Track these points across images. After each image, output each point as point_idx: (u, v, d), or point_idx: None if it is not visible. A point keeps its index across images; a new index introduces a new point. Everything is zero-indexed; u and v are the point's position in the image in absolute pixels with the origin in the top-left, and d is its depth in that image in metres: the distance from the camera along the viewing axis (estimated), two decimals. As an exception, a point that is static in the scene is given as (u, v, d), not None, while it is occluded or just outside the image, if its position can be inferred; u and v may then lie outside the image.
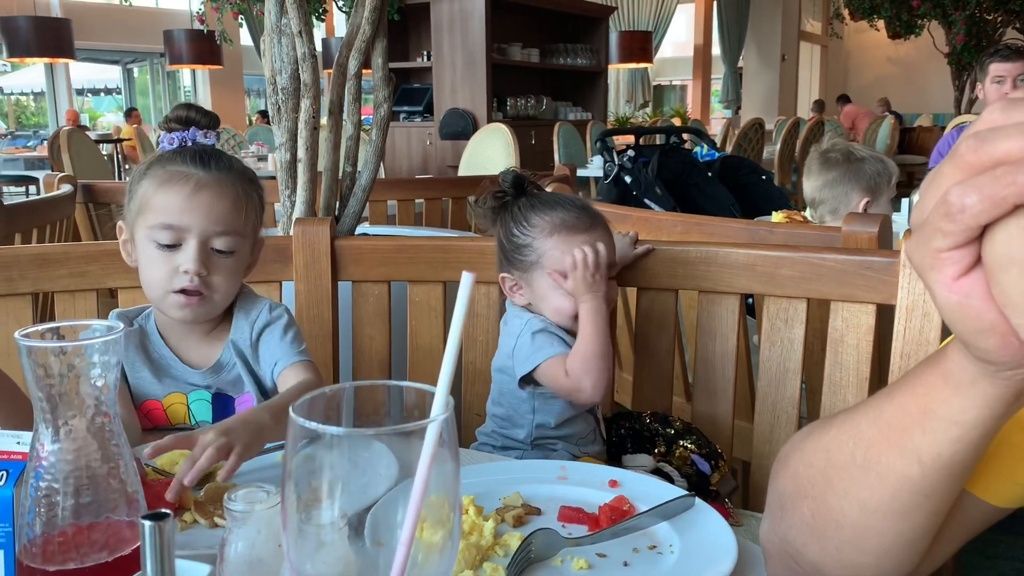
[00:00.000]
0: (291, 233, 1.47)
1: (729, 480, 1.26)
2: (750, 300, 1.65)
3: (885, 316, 1.18)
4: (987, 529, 0.64)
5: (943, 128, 7.20)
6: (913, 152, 11.47)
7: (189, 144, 1.15)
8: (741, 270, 1.28)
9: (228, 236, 1.12)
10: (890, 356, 1.14)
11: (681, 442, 1.24)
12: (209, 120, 1.17)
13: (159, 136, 1.21)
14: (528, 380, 1.21)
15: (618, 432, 1.30)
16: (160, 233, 1.10)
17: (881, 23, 11.15)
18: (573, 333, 1.22)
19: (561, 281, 1.20)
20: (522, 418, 1.23)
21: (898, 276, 1.13)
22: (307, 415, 0.47)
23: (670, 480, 1.21)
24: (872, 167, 2.05)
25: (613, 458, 1.29)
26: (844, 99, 12.41)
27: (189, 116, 1.16)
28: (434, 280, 1.42)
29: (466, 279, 0.48)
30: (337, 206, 2.00)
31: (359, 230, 2.11)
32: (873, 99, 12.65)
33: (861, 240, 1.38)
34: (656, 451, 1.25)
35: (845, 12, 11.80)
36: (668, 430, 1.26)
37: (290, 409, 0.47)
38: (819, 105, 12.36)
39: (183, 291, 1.10)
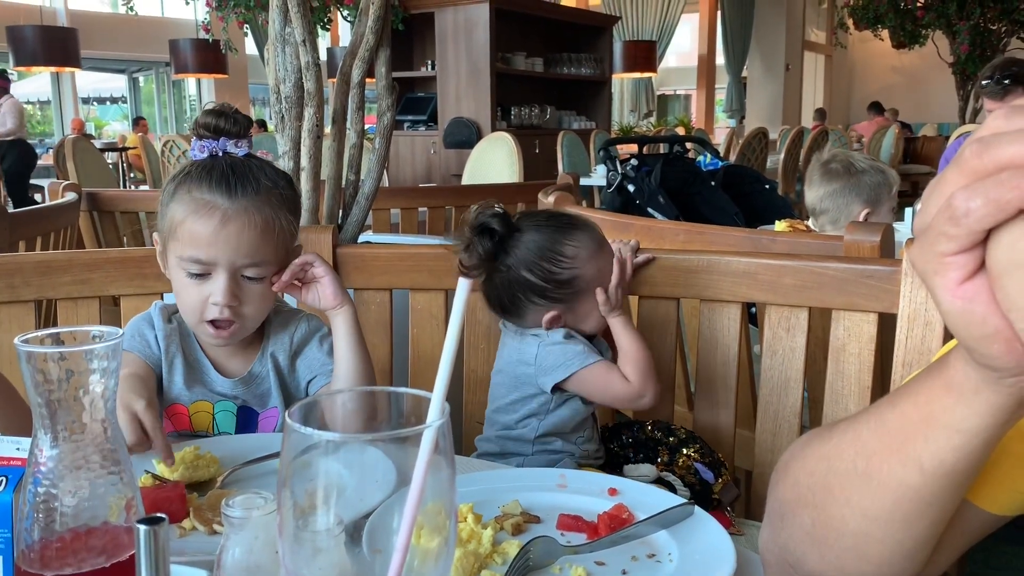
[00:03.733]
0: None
1: (732, 488, 1.26)
2: (752, 309, 1.65)
3: (887, 325, 1.18)
4: (992, 539, 0.64)
5: (947, 138, 7.21)
6: (918, 161, 11.47)
7: (220, 155, 1.13)
8: (743, 279, 1.28)
9: (257, 266, 1.12)
10: (892, 365, 1.14)
11: (684, 450, 1.24)
12: (239, 127, 1.16)
13: (190, 144, 1.20)
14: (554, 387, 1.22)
15: (620, 442, 1.29)
16: (189, 264, 1.10)
17: (885, 33, 11.17)
18: (592, 337, 1.24)
19: (604, 300, 1.22)
20: (533, 418, 1.23)
21: (900, 285, 1.13)
22: (304, 421, 0.47)
23: (672, 490, 1.21)
24: (872, 178, 2.06)
25: (615, 468, 1.29)
26: (876, 108, 12.27)
27: (219, 125, 1.14)
28: (436, 288, 1.42)
29: (463, 285, 0.49)
30: (340, 214, 2.00)
31: (362, 238, 2.12)
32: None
33: (863, 249, 1.38)
34: (659, 460, 1.25)
35: (849, 22, 11.82)
36: (671, 439, 1.26)
37: (287, 415, 0.47)
38: (821, 114, 12.35)
39: (213, 322, 1.11)
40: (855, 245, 1.39)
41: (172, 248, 1.12)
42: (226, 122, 1.14)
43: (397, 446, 0.47)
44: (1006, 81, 2.97)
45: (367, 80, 1.99)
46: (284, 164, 1.95)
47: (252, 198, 1.11)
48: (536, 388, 1.21)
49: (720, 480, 1.23)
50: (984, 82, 3.04)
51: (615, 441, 1.31)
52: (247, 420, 1.18)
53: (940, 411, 0.49)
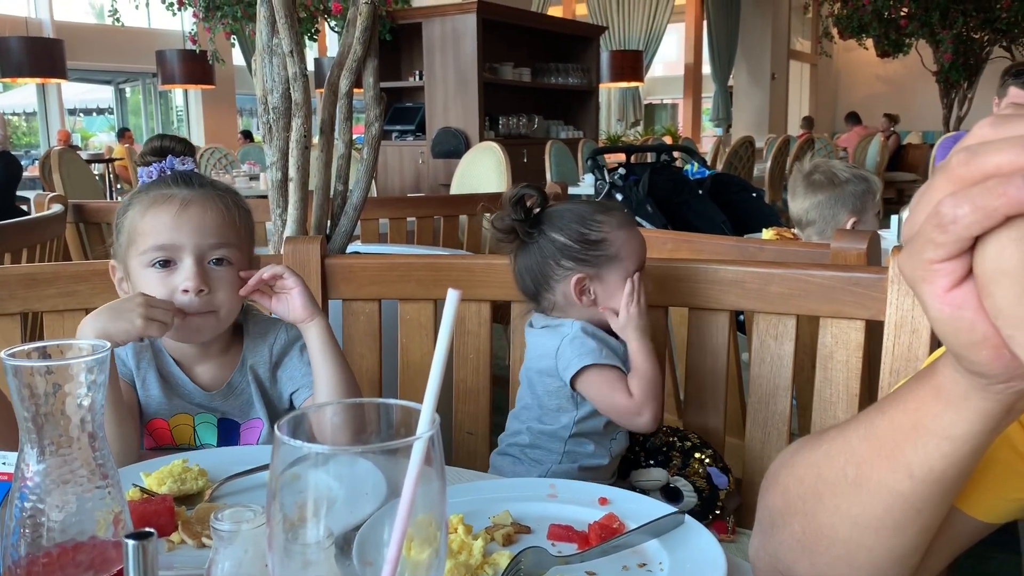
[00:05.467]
0: (282, 252, 1.47)
1: (735, 496, 1.27)
2: (741, 317, 1.66)
3: (874, 332, 1.18)
4: (982, 546, 0.64)
5: (932, 146, 7.26)
6: (903, 169, 11.55)
7: (168, 172, 1.16)
8: (731, 287, 1.29)
9: (223, 248, 1.12)
10: (879, 372, 1.14)
11: (697, 455, 1.25)
12: (184, 147, 1.21)
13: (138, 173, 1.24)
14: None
15: (632, 447, 1.30)
16: (154, 254, 1.10)
17: (870, 42, 11.27)
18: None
19: (613, 318, 1.23)
20: (564, 414, 1.24)
21: (886, 292, 1.13)
22: (293, 434, 0.47)
23: (679, 495, 1.22)
24: (856, 186, 2.08)
25: (621, 475, 1.29)
26: (854, 118, 12.38)
27: (164, 146, 1.19)
28: (425, 298, 1.42)
29: (451, 296, 0.49)
30: (328, 225, 2.00)
31: (350, 248, 2.11)
32: (864, 117, 12.73)
33: (849, 257, 1.38)
34: (672, 464, 1.25)
35: (834, 31, 11.93)
36: (685, 443, 1.27)
37: (275, 428, 0.47)
38: (808, 122, 12.43)
39: (186, 313, 1.10)
40: (842, 253, 1.39)
41: (133, 254, 1.12)
42: (171, 141, 1.19)
43: (387, 458, 0.47)
44: None
45: (355, 90, 1.99)
46: (272, 175, 1.95)
47: (209, 189, 1.15)
48: (560, 381, 1.23)
49: (729, 487, 1.24)
50: (1019, 76, 3.09)
51: (628, 447, 1.31)
52: (229, 432, 1.18)
53: (929, 418, 0.49)
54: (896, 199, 9.69)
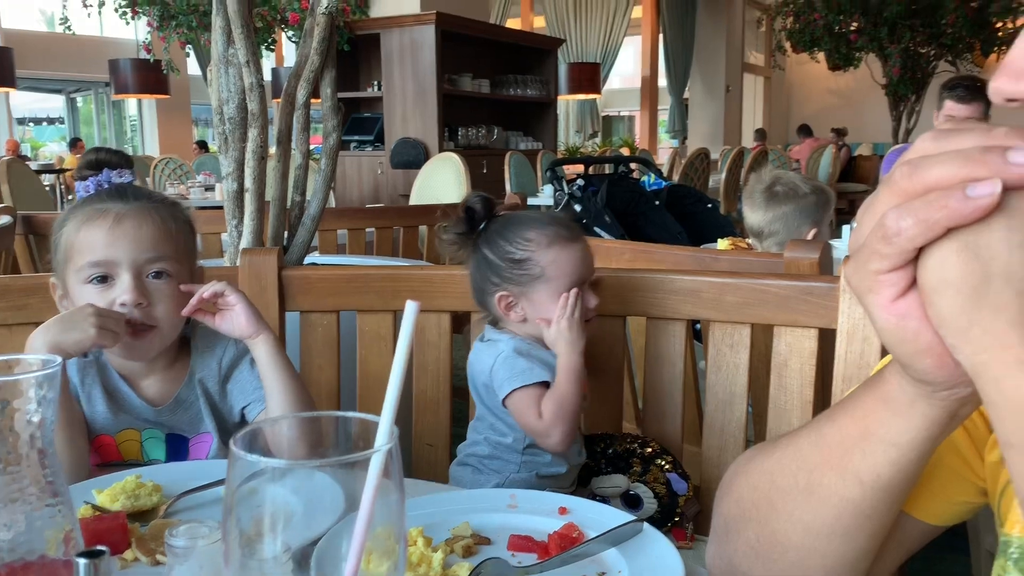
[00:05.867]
0: (238, 263, 1.45)
1: (694, 503, 1.28)
2: (698, 326, 1.68)
3: (827, 340, 1.21)
4: (933, 548, 0.66)
5: (882, 157, 7.43)
6: (854, 180, 11.80)
7: (105, 186, 1.15)
8: (687, 296, 1.30)
9: (160, 261, 1.11)
10: (832, 379, 1.16)
11: (658, 461, 1.26)
12: (121, 159, 1.19)
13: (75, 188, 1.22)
14: None
15: (593, 454, 1.31)
16: (90, 271, 1.08)
17: (821, 56, 11.51)
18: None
19: (545, 329, 1.22)
20: (511, 429, 1.24)
21: (838, 301, 1.16)
22: (249, 448, 0.47)
23: (639, 502, 1.23)
24: (817, 198, 2.13)
25: (581, 482, 1.30)
26: (806, 130, 12.62)
27: (99, 159, 1.17)
28: (384, 309, 1.42)
29: (410, 308, 0.49)
30: (285, 236, 1.99)
31: (308, 260, 2.10)
32: (816, 129, 12.99)
33: (803, 266, 1.41)
34: (632, 471, 1.26)
35: (787, 45, 12.15)
36: (646, 450, 1.28)
37: (231, 443, 0.46)
38: (760, 134, 12.65)
39: (131, 329, 1.08)
40: (795, 263, 1.42)
41: (71, 271, 1.10)
42: (107, 154, 1.17)
43: (345, 471, 0.46)
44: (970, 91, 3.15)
45: (312, 100, 1.98)
46: (228, 186, 1.93)
47: (145, 202, 1.13)
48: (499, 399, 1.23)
49: (688, 493, 1.25)
50: (955, 90, 3.20)
51: (589, 455, 1.32)
52: (177, 447, 1.16)
53: (877, 425, 0.50)
54: (847, 209, 9.89)
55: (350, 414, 0.52)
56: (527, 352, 1.22)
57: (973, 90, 3.15)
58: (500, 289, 1.24)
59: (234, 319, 1.11)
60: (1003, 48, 10.59)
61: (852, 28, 10.80)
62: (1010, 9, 10.13)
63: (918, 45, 10.53)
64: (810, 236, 2.10)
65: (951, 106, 3.17)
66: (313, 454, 0.51)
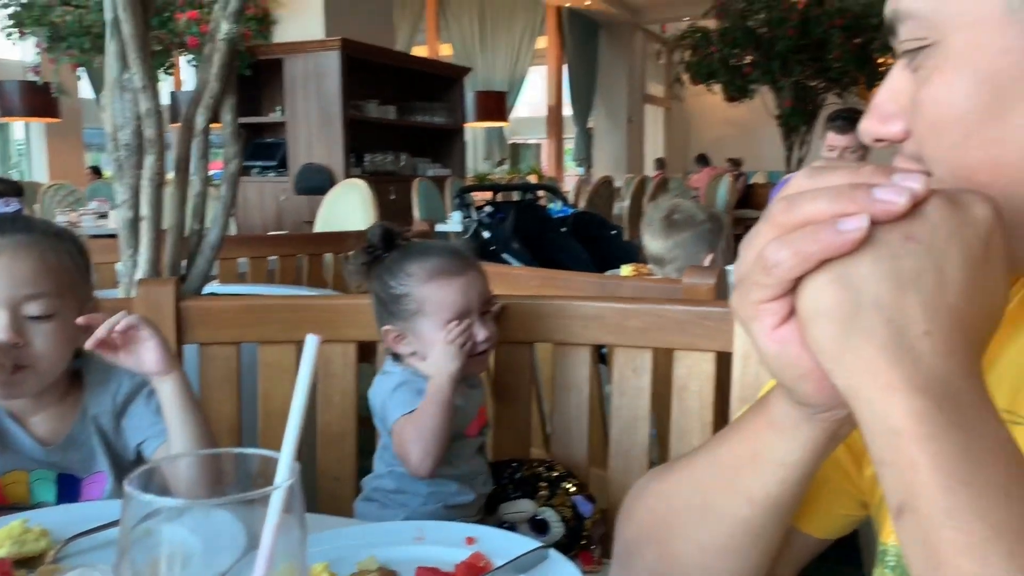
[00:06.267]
0: (133, 295, 1.40)
1: (601, 525, 1.30)
2: (605, 350, 1.71)
3: (724, 363, 1.25)
4: (827, 561, 0.69)
5: (776, 184, 7.77)
6: (750, 207, 12.27)
7: None
8: (592, 322, 1.33)
9: (40, 299, 1.05)
10: (730, 401, 1.20)
11: (564, 484, 1.27)
12: (8, 187, 1.12)
13: None
14: None
15: (500, 480, 1.31)
16: None
17: (718, 87, 11.94)
18: (464, 380, 1.23)
19: (423, 359, 1.22)
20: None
21: (734, 325, 1.20)
22: (144, 488, 0.45)
23: (546, 527, 1.24)
24: (712, 225, 2.22)
25: (489, 510, 1.30)
26: (703, 160, 13.08)
27: None
28: (287, 341, 1.39)
29: (311, 342, 0.48)
30: (184, 265, 1.93)
31: (207, 289, 2.04)
32: (713, 158, 13.48)
33: (700, 292, 1.46)
34: (539, 495, 1.27)
35: (685, 77, 12.58)
36: (552, 473, 1.29)
37: (125, 482, 0.45)
38: (660, 163, 13.06)
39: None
40: (693, 288, 1.47)
41: None
42: None
43: (245, 508, 0.46)
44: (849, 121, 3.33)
45: (213, 125, 1.94)
46: (122, 214, 1.87)
47: (24, 235, 1.07)
48: None
49: (594, 515, 1.27)
50: (835, 120, 3.38)
51: (496, 481, 1.32)
52: (69, 488, 1.10)
53: (764, 446, 0.53)
54: (745, 235, 10.24)
55: (250, 450, 0.51)
56: (417, 384, 1.22)
57: (852, 121, 3.34)
58: (386, 323, 1.25)
59: (144, 355, 1.04)
60: (885, 83, 11.25)
61: (746, 62, 11.28)
62: (890, 46, 10.77)
63: (808, 78, 11.06)
64: (707, 262, 2.18)
65: (832, 137, 3.36)
66: (212, 492, 0.50)
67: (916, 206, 0.43)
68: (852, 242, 0.42)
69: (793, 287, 0.44)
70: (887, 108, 0.55)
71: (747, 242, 0.46)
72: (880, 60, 10.94)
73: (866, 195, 0.42)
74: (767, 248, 0.44)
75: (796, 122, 11.34)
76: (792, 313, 0.45)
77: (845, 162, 0.47)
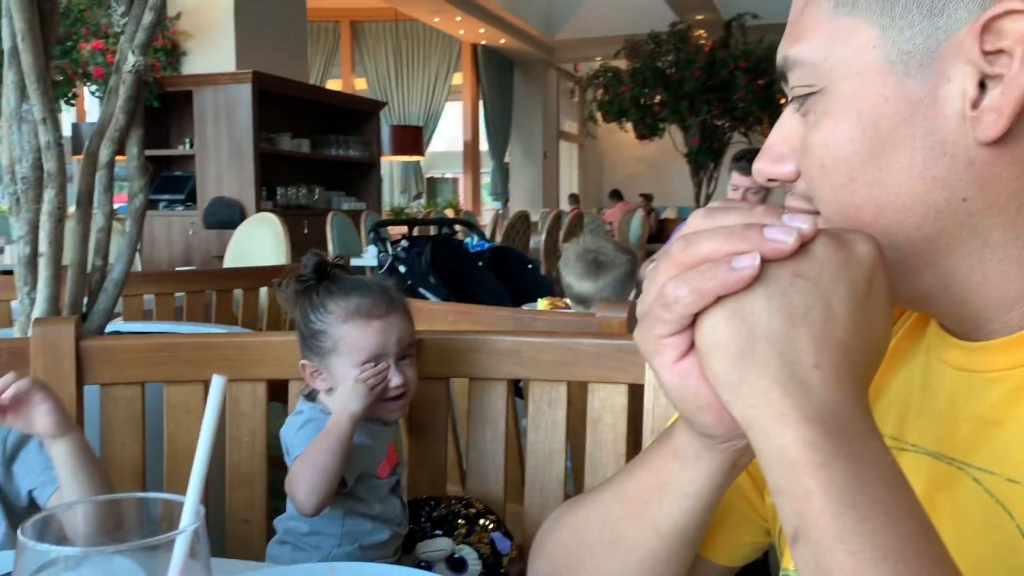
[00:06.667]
0: (30, 334, 1.34)
1: (517, 562, 1.30)
2: (520, 384, 1.72)
3: (637, 395, 1.27)
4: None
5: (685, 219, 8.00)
6: (662, 241, 12.60)
7: None
8: (508, 356, 1.33)
9: None
10: (642, 433, 1.23)
11: (482, 521, 1.26)
12: None
13: None
14: None
15: (417, 518, 1.29)
16: None
17: (629, 125, 12.26)
18: (375, 419, 1.22)
19: (324, 383, 1.20)
20: (330, 505, 1.19)
21: (645, 358, 1.23)
22: (39, 537, 0.44)
23: (464, 565, 1.22)
24: (633, 263, 2.29)
25: (407, 548, 1.28)
26: (616, 195, 13.39)
27: None
28: (194, 380, 1.35)
29: (217, 383, 0.48)
30: (85, 303, 1.86)
31: (110, 328, 1.97)
32: (626, 194, 13.81)
33: (613, 325, 1.49)
34: (457, 533, 1.26)
35: (598, 115, 12.88)
36: (470, 510, 1.28)
37: (19, 531, 0.43)
38: (574, 198, 13.33)
39: None
40: (606, 321, 1.49)
41: None
42: None
43: (148, 555, 0.44)
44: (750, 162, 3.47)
45: (118, 158, 1.88)
46: (19, 250, 1.79)
47: None
48: None
49: (512, 552, 1.26)
50: (739, 161, 3.51)
51: (414, 519, 1.30)
52: None
53: (670, 476, 0.54)
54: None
55: (153, 495, 0.50)
56: (324, 423, 1.19)
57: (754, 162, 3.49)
58: (304, 357, 1.24)
59: (35, 418, 0.97)
60: (786, 123, 11.76)
61: (656, 101, 11.63)
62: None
63: (714, 118, 11.47)
64: (632, 297, 2.24)
65: (736, 177, 3.50)
66: (113, 539, 0.49)
67: (804, 245, 0.45)
68: (745, 279, 0.44)
69: (692, 322, 0.46)
70: (778, 150, 0.58)
71: (649, 279, 0.48)
72: (782, 101, 11.41)
73: (758, 235, 0.44)
74: (667, 285, 0.46)
75: (704, 160, 11.73)
76: (692, 347, 0.47)
77: (740, 202, 0.49)
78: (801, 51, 0.54)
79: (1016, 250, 0.51)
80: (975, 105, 0.49)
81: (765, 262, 0.44)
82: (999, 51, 0.48)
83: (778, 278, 0.44)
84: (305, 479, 1.13)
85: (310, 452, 1.15)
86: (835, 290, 0.44)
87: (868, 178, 0.52)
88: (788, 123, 0.58)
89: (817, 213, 0.55)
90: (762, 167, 0.59)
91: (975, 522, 0.51)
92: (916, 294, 0.55)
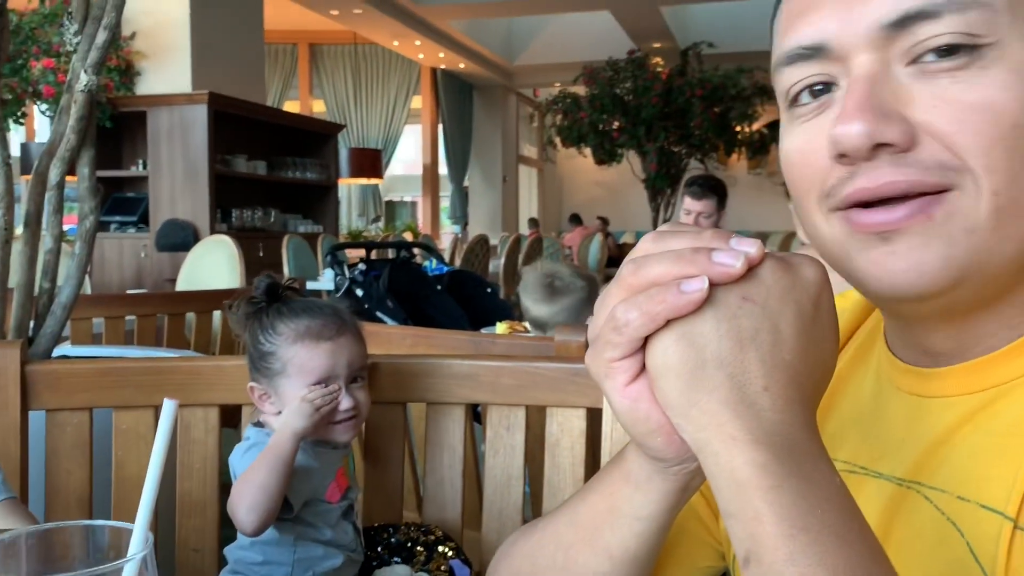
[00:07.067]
0: (-28, 358, 1.30)
1: None
2: (479, 408, 1.71)
3: (595, 419, 1.27)
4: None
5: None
6: (620, 265, 12.69)
7: None
8: (466, 380, 1.33)
9: None
10: (600, 457, 1.23)
11: (441, 548, 1.25)
12: None
13: None
14: None
15: (374, 546, 1.27)
16: None
17: (588, 151, 12.40)
18: (323, 443, 1.20)
19: (273, 406, 1.19)
20: (277, 525, 1.17)
21: (603, 381, 1.23)
22: (-24, 570, 0.42)
23: None
24: (591, 288, 2.30)
25: (367, 574, 1.26)
26: (576, 219, 13.49)
27: None
28: (144, 405, 1.32)
29: (168, 407, 0.47)
30: (32, 326, 1.81)
31: (58, 352, 1.92)
32: (585, 218, 13.92)
33: (571, 349, 1.49)
34: (416, 560, 1.24)
35: (557, 140, 13.00)
36: (429, 537, 1.27)
37: (-46, 565, 0.41)
38: (534, 223, 13.40)
39: None
40: (564, 345, 1.50)
41: None
42: None
43: (94, 586, 0.43)
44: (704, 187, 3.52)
45: (68, 178, 1.84)
46: (-37, 271, 1.74)
47: None
48: None
49: None
50: (691, 186, 3.56)
51: (371, 546, 1.28)
52: None
53: (622, 500, 0.54)
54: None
55: (99, 522, 0.49)
56: (257, 443, 1.18)
57: (706, 188, 3.55)
58: (253, 380, 1.22)
59: None
60: (742, 149, 12.02)
61: (614, 127, 11.78)
62: (746, 115, 11.55)
63: (671, 144, 11.65)
64: (589, 321, 2.25)
65: (688, 201, 3.55)
66: (58, 568, 0.47)
67: (752, 269, 0.45)
68: (694, 302, 0.44)
69: (643, 345, 0.46)
70: (885, 107, 0.50)
71: (600, 303, 0.48)
72: (737, 128, 11.67)
73: (706, 258, 0.45)
74: (617, 308, 0.46)
75: (661, 185, 11.89)
76: (643, 370, 0.47)
77: (689, 226, 0.49)
78: None
79: None
80: None
81: (714, 286, 0.44)
82: None
83: (726, 301, 0.45)
84: (245, 497, 1.11)
85: (250, 470, 1.13)
86: (782, 313, 0.45)
87: None
88: (895, 83, 0.50)
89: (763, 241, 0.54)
90: (867, 128, 0.49)
91: (928, 540, 0.51)
92: (1010, 290, 0.52)
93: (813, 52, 0.53)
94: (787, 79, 0.55)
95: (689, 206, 3.52)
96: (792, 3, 0.55)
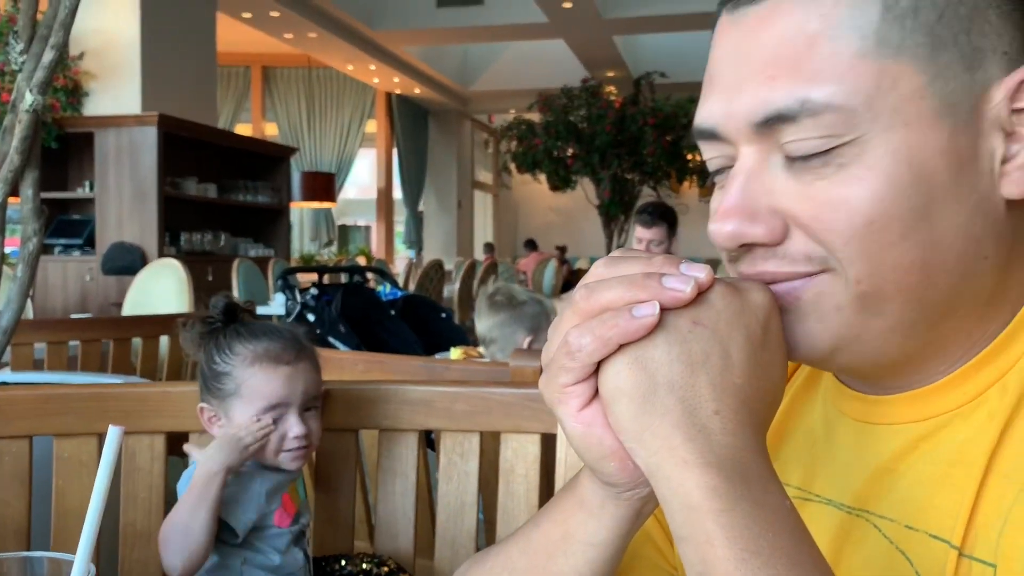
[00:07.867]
0: (-96, 385, 1.25)
1: None
2: (432, 435, 1.70)
3: (549, 445, 1.27)
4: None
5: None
6: (574, 291, 12.77)
7: None
8: (419, 406, 1.31)
9: None
10: (555, 483, 1.22)
11: None
12: None
13: None
14: None
15: None
16: None
17: (543, 177, 12.51)
18: (269, 467, 1.17)
19: (222, 429, 1.16)
20: (226, 546, 1.14)
21: (557, 407, 1.23)
22: (-97, 608, 0.40)
23: None
24: (533, 308, 2.29)
25: None
26: (531, 245, 13.55)
27: None
28: (87, 433, 1.28)
29: (112, 434, 0.45)
30: (-30, 351, 1.75)
31: (-3, 378, 1.86)
32: (540, 243, 13.99)
33: (526, 374, 1.49)
34: None
35: (512, 166, 13.08)
36: (382, 569, 1.25)
37: None
38: (489, 247, 13.43)
39: None
40: (519, 370, 1.50)
41: None
42: None
43: (28, 622, 0.41)
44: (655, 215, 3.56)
45: (11, 199, 1.80)
46: None
47: None
48: None
49: None
50: (641, 214, 3.59)
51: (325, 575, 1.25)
52: None
53: (575, 526, 0.54)
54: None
55: (38, 553, 0.47)
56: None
57: (656, 216, 3.59)
58: (204, 401, 1.19)
59: None
60: (694, 177, 12.22)
61: (569, 154, 11.91)
62: (697, 145, 11.73)
63: (625, 171, 11.81)
64: (525, 344, 2.23)
65: (639, 230, 3.59)
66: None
67: (702, 294, 0.46)
68: (646, 327, 0.45)
69: (596, 370, 0.46)
70: (752, 207, 0.51)
71: (553, 328, 0.48)
72: (689, 156, 11.88)
73: (657, 283, 0.45)
74: (570, 333, 0.46)
75: (615, 212, 12.03)
76: (596, 396, 0.47)
77: (641, 252, 0.49)
78: (830, 95, 0.48)
79: (984, 307, 0.52)
80: (1005, 161, 0.49)
81: (665, 310, 0.45)
82: None
83: (677, 326, 0.45)
84: (169, 542, 1.08)
85: (175, 511, 1.09)
86: (732, 337, 0.46)
87: (921, 236, 0.49)
88: (770, 177, 0.51)
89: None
90: (735, 229, 0.51)
91: (877, 568, 0.52)
92: (901, 353, 0.53)
93: (710, 135, 0.55)
94: (702, 151, 0.57)
95: (640, 234, 3.55)
96: (705, 74, 0.56)
